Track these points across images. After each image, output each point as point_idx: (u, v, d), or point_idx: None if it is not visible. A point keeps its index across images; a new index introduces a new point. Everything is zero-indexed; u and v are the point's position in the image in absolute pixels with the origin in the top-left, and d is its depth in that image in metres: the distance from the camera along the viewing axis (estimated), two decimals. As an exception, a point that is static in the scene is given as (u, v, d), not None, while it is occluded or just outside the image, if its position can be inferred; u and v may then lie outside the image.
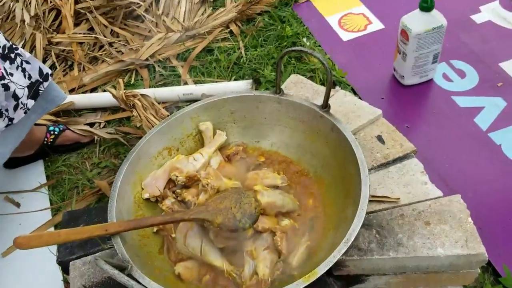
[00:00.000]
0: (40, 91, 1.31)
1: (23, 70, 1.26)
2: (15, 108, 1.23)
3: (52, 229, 1.43)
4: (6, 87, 1.18)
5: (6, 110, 1.21)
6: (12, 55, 1.23)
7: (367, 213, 1.01)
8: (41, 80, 1.30)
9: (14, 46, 1.25)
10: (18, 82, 1.23)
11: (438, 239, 0.95)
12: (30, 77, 1.27)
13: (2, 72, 1.18)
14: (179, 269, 0.93)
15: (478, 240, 0.94)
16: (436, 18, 1.41)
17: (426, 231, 0.97)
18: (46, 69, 1.33)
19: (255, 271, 0.91)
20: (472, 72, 1.57)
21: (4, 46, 1.22)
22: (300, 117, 1.10)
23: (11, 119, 1.23)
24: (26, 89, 1.25)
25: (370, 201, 1.03)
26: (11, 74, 1.22)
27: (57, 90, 1.41)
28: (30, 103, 1.27)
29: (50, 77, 1.33)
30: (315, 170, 1.09)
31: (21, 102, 1.23)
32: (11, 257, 1.36)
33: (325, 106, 1.05)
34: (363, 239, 0.97)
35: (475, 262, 0.95)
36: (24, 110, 1.25)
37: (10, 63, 1.22)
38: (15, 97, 1.22)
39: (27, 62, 1.27)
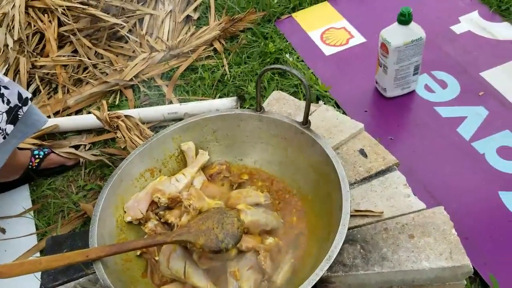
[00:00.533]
0: (19, 116, 1.30)
1: (1, 96, 1.25)
2: None
3: (37, 254, 1.41)
4: None
5: None
6: None
7: (351, 228, 1.02)
8: (20, 105, 1.30)
9: None
10: None
11: (423, 252, 0.95)
12: (8, 102, 1.26)
13: None
14: (163, 293, 0.92)
15: (462, 251, 0.94)
16: (415, 31, 1.42)
17: (410, 244, 0.97)
18: (26, 94, 1.33)
19: (240, 291, 0.90)
20: (454, 82, 1.59)
21: None
22: (281, 134, 1.11)
23: None
24: (4, 114, 1.24)
25: (353, 215, 1.04)
26: None
27: (37, 114, 1.40)
28: (9, 128, 1.26)
29: (30, 101, 1.33)
30: (299, 186, 1.09)
31: (0, 128, 1.22)
32: (-5, 285, 1.35)
33: (305, 122, 1.05)
34: (348, 255, 0.97)
35: (461, 274, 0.94)
36: (3, 136, 1.24)
37: None
38: None
39: (6, 88, 1.27)
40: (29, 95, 1.33)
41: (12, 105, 1.27)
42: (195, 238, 0.91)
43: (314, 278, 0.81)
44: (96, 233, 0.94)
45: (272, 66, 1.02)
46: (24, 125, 1.34)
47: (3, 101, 1.24)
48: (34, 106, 1.39)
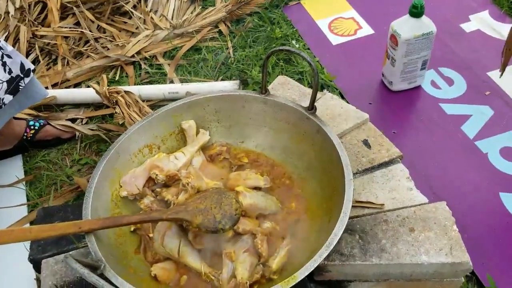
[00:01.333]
0: (20, 87, 1.26)
1: (4, 64, 1.21)
2: None
3: (27, 225, 1.38)
4: None
5: None
6: None
7: (351, 217, 1.00)
8: (22, 76, 1.26)
9: None
10: None
11: (422, 246, 0.93)
12: (10, 72, 1.23)
13: None
14: (155, 271, 0.90)
15: (463, 248, 0.92)
16: (426, 24, 1.40)
17: (410, 237, 0.95)
18: (29, 65, 1.29)
19: (234, 274, 0.88)
20: (460, 80, 1.57)
21: None
22: (285, 118, 1.08)
23: None
24: (5, 83, 1.21)
25: (354, 206, 1.01)
26: None
27: (38, 87, 1.37)
28: (8, 98, 1.23)
29: (32, 73, 1.29)
30: (300, 172, 1.07)
31: None
32: (-19, 253, 1.32)
33: (311, 108, 1.02)
34: (346, 244, 0.95)
35: (460, 271, 0.93)
36: (0, 105, 1.21)
37: None
38: None
39: (9, 56, 1.23)
40: (32, 67, 1.30)
41: (13, 75, 1.24)
42: (192, 217, 0.88)
43: (312, 264, 0.79)
44: (90, 205, 0.91)
45: (281, 47, 0.99)
46: (23, 96, 1.31)
47: (4, 70, 1.21)
48: (35, 78, 1.35)
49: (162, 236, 0.93)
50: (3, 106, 1.22)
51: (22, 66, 1.27)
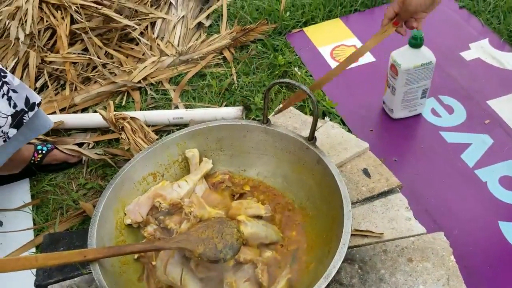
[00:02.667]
0: (24, 121, 1.29)
1: (9, 99, 1.24)
2: None
3: (33, 249, 1.40)
4: None
5: None
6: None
7: (351, 247, 1.01)
8: (26, 110, 1.28)
9: (2, 74, 1.24)
10: (2, 111, 1.22)
11: (420, 277, 0.95)
12: (15, 106, 1.25)
13: None
14: (158, 299, 0.92)
15: (460, 279, 0.94)
16: (425, 54, 1.43)
17: (408, 268, 0.96)
18: (34, 98, 1.31)
19: (235, 303, 0.90)
20: (460, 108, 1.59)
21: None
22: (286, 148, 1.11)
23: None
24: (9, 117, 1.24)
25: (354, 235, 1.04)
26: None
27: (42, 119, 1.39)
28: (12, 132, 1.25)
29: (36, 107, 1.31)
30: (300, 201, 1.09)
31: (2, 131, 1.22)
32: (-12, 278, 1.34)
33: (311, 138, 1.05)
34: (345, 274, 0.97)
35: (457, 302, 0.94)
36: (4, 139, 1.24)
37: None
38: None
39: (14, 91, 1.26)
40: (37, 100, 1.32)
41: (18, 109, 1.26)
42: (194, 246, 0.90)
43: (311, 295, 0.80)
44: (95, 233, 0.94)
45: (282, 80, 1.03)
46: (27, 129, 1.34)
47: (9, 104, 1.24)
48: (41, 110, 1.38)
49: (165, 264, 0.96)
50: (7, 139, 1.25)
51: (27, 100, 1.29)
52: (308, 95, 0.97)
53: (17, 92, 1.26)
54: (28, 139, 1.38)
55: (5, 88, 1.23)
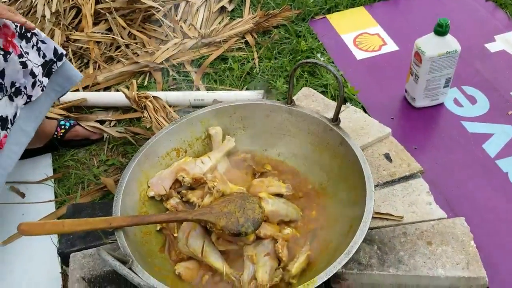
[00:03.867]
0: (53, 70, 1.34)
1: (38, 49, 1.30)
2: (33, 85, 1.26)
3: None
4: (24, 65, 1.21)
5: (25, 88, 1.24)
6: (28, 34, 1.27)
7: (370, 228, 1.02)
8: (55, 60, 1.34)
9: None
10: (33, 61, 1.27)
11: (439, 260, 0.95)
12: (44, 56, 1.31)
13: (20, 51, 1.20)
14: (179, 269, 0.94)
15: (479, 263, 0.94)
16: (450, 42, 1.42)
17: (427, 251, 0.97)
18: (61, 50, 1.37)
19: (254, 276, 0.91)
20: (483, 99, 1.58)
21: (21, 25, 1.25)
22: (309, 129, 1.11)
23: (29, 97, 1.26)
24: (40, 67, 1.29)
25: (373, 217, 1.04)
26: (27, 53, 1.25)
27: (73, 70, 1.44)
28: (45, 80, 1.31)
29: (64, 57, 1.37)
30: (321, 182, 1.09)
31: (38, 80, 1.27)
32: (11, 246, 1.37)
33: (336, 119, 1.05)
34: (364, 254, 0.97)
35: (475, 286, 0.94)
36: (41, 88, 1.29)
37: (26, 42, 1.26)
38: (33, 74, 1.25)
39: (43, 42, 1.31)
40: (64, 52, 1.37)
41: (47, 59, 1.32)
42: (216, 219, 0.92)
43: (331, 270, 0.81)
44: (120, 202, 0.95)
45: (309, 60, 1.03)
46: (62, 78, 1.39)
47: (39, 55, 1.29)
48: (68, 62, 1.43)
49: (186, 236, 0.97)
50: (44, 88, 1.30)
51: (55, 50, 1.35)
52: (334, 75, 0.98)
53: (45, 43, 1.31)
54: (65, 89, 1.43)
55: (34, 39, 1.28)
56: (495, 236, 1.23)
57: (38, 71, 1.28)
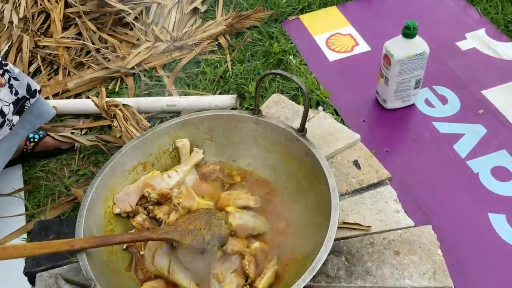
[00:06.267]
0: (25, 107, 1.31)
1: (10, 86, 1.25)
2: (1, 125, 1.23)
3: (25, 235, 1.41)
4: None
5: None
6: (1, 71, 1.23)
7: (338, 239, 1.02)
8: (27, 97, 1.30)
9: (3, 62, 1.25)
10: (4, 99, 1.23)
11: (407, 270, 0.95)
12: (16, 93, 1.27)
13: None
14: (145, 289, 0.92)
15: (446, 273, 0.94)
16: (419, 44, 1.42)
17: (395, 261, 0.97)
18: (35, 86, 1.33)
19: (221, 294, 0.91)
20: (454, 98, 1.59)
21: None
22: (276, 139, 1.10)
23: None
24: (11, 105, 1.25)
25: (341, 227, 1.04)
26: None
27: (46, 106, 1.41)
28: (15, 119, 1.27)
29: (38, 94, 1.33)
30: (289, 193, 1.09)
31: (7, 119, 1.24)
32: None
33: (302, 130, 1.05)
34: (332, 266, 0.97)
35: (442, 295, 0.95)
36: (10, 127, 1.26)
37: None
38: (2, 114, 1.22)
39: (15, 79, 1.27)
40: (38, 87, 1.34)
41: (20, 96, 1.28)
42: (181, 237, 0.91)
43: (296, 288, 0.81)
44: (83, 223, 0.93)
45: (273, 71, 1.02)
46: (33, 116, 1.36)
47: (11, 92, 1.25)
48: (42, 98, 1.40)
49: (152, 254, 0.96)
50: (12, 127, 1.27)
51: (28, 87, 1.31)
52: (300, 87, 0.97)
53: (18, 80, 1.28)
54: (35, 126, 1.40)
55: (6, 76, 1.24)
56: (465, 236, 1.25)
57: (8, 109, 1.24)
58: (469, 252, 1.21)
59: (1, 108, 1.21)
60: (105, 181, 1.04)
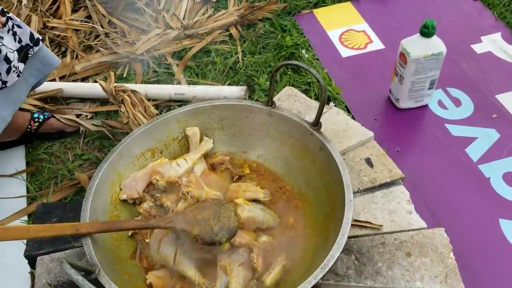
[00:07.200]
0: (29, 55, 1.30)
1: (14, 34, 1.25)
2: (8, 71, 1.22)
3: (25, 218, 1.38)
4: None
5: None
6: (4, 19, 1.22)
7: (348, 237, 0.99)
8: (31, 45, 1.30)
9: (5, 11, 1.24)
10: (8, 46, 1.22)
11: (418, 272, 0.93)
12: (20, 41, 1.27)
13: None
14: (151, 279, 0.90)
15: (458, 277, 0.92)
16: (436, 44, 1.39)
17: (406, 262, 0.95)
18: (37, 35, 1.33)
19: (227, 287, 0.88)
20: (468, 101, 1.56)
21: None
22: (289, 132, 1.08)
23: (4, 82, 1.22)
24: (15, 52, 1.25)
25: (352, 225, 1.01)
26: (2, 38, 1.21)
27: (51, 55, 1.40)
28: (21, 66, 1.27)
29: (41, 42, 1.33)
30: (300, 187, 1.06)
31: (13, 66, 1.23)
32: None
33: (317, 124, 1.02)
34: (341, 264, 0.95)
35: (453, 299, 0.92)
36: (17, 73, 1.25)
37: (2, 26, 1.22)
38: (7, 60, 1.21)
39: (19, 26, 1.27)
40: (40, 37, 1.33)
41: (23, 43, 1.27)
42: (189, 227, 0.88)
43: (306, 286, 0.78)
44: (89, 207, 0.91)
45: (290, 61, 0.99)
46: (40, 63, 1.35)
47: (15, 39, 1.25)
48: (46, 47, 1.39)
49: (158, 242, 0.94)
50: (20, 74, 1.26)
51: (31, 35, 1.30)
52: (317, 80, 0.94)
53: (21, 28, 1.27)
54: (43, 73, 1.39)
55: (10, 23, 1.24)
56: (474, 242, 1.22)
57: (13, 56, 1.23)
58: (478, 257, 1.19)
59: (6, 54, 1.20)
60: (112, 166, 1.02)
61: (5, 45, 1.21)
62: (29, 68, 1.32)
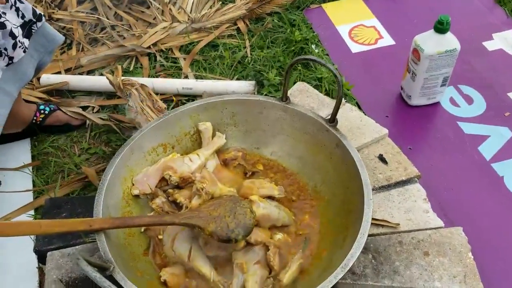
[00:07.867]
0: (33, 30, 1.28)
1: (17, 10, 1.23)
2: (14, 47, 1.20)
3: (32, 212, 1.36)
4: (2, 26, 1.15)
5: (5, 49, 1.18)
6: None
7: (365, 236, 0.98)
8: (34, 20, 1.27)
9: None
10: (12, 21, 1.20)
11: (436, 272, 0.91)
12: (23, 16, 1.24)
13: None
14: (165, 276, 0.88)
15: (477, 277, 0.91)
16: (450, 41, 1.37)
17: (424, 262, 0.93)
18: (39, 11, 1.31)
19: (244, 285, 0.87)
20: (480, 99, 1.54)
21: None
22: (305, 129, 1.06)
23: (11, 58, 1.20)
24: (19, 28, 1.22)
25: (368, 223, 1.00)
26: (4, 13, 1.19)
27: (53, 31, 1.38)
28: (26, 42, 1.25)
29: (43, 18, 1.31)
30: (315, 185, 1.05)
31: (19, 41, 1.20)
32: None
33: (333, 120, 1.00)
34: (358, 263, 0.93)
35: (472, 300, 0.91)
36: (23, 49, 1.23)
37: (4, 2, 1.19)
38: (12, 35, 1.19)
39: (20, 1, 1.25)
40: (42, 13, 1.31)
41: (26, 19, 1.25)
42: (205, 224, 0.86)
43: (327, 285, 0.77)
44: (102, 202, 0.89)
45: (307, 56, 0.98)
46: (44, 38, 1.33)
47: (17, 15, 1.22)
48: (48, 24, 1.36)
49: (172, 239, 0.92)
50: (26, 50, 1.24)
51: (34, 11, 1.29)
52: (334, 75, 0.92)
53: (23, 3, 1.25)
54: (48, 49, 1.37)
55: None
56: (487, 242, 1.20)
57: (18, 32, 1.21)
58: (492, 257, 1.17)
59: (11, 29, 1.18)
60: (124, 161, 1.00)
61: (9, 21, 1.19)
62: (34, 43, 1.30)
